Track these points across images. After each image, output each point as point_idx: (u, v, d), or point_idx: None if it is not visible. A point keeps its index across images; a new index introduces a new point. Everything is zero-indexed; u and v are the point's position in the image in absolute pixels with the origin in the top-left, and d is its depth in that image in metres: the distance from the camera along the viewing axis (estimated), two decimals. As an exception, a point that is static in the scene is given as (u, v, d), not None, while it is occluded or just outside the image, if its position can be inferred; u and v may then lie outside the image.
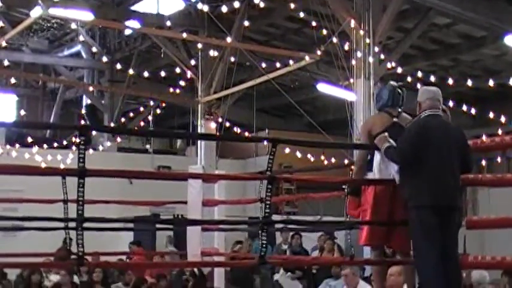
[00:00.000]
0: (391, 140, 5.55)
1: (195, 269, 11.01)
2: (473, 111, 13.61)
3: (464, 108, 13.51)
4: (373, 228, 5.69)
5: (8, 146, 16.81)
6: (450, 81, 13.26)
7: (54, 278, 11.18)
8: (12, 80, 18.93)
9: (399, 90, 5.89)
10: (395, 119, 5.76)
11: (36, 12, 13.11)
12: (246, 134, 16.45)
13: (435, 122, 5.49)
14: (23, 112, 20.83)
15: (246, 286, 11.00)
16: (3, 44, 14.66)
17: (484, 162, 14.70)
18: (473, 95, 15.34)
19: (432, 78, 13.07)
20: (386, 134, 5.61)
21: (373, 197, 5.65)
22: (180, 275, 11.85)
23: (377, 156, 5.77)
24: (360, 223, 5.77)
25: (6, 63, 16.66)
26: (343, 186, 6.92)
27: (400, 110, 5.87)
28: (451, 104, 13.20)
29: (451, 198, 5.36)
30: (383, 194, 5.64)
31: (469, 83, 13.41)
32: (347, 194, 6.02)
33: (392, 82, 6.11)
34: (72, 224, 4.88)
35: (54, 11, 13.46)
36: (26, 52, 20.53)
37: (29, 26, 15.61)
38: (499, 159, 15.45)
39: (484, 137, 8.45)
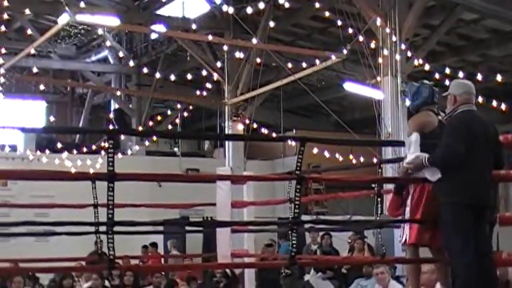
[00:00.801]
0: (420, 154, 5.49)
1: (228, 270, 11.04)
2: (503, 106, 13.46)
3: (494, 103, 13.38)
4: (424, 226, 5.61)
5: (38, 152, 17.04)
6: (479, 76, 13.08)
7: (86, 285, 11.30)
8: (41, 87, 19.10)
9: (435, 88, 5.88)
10: (439, 117, 5.74)
11: (63, 19, 13.23)
12: (274, 134, 16.42)
13: (475, 117, 5.44)
14: (52, 118, 21.11)
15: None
16: (32, 51, 14.83)
17: None
18: (503, 91, 15.16)
19: (461, 74, 12.93)
20: (410, 156, 5.56)
21: (425, 195, 5.57)
22: (210, 277, 11.90)
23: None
24: (410, 221, 5.65)
25: (35, 70, 16.69)
26: (373, 185, 6.93)
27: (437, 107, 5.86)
28: (480, 99, 13.09)
29: (487, 196, 5.34)
30: (433, 192, 5.57)
31: (499, 78, 13.29)
32: (393, 193, 5.91)
33: (425, 81, 6.08)
34: (102, 228, 4.94)
35: (81, 18, 13.63)
36: (54, 59, 20.78)
37: (56, 33, 15.72)
38: (530, 155, 15.26)
39: None
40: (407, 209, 5.68)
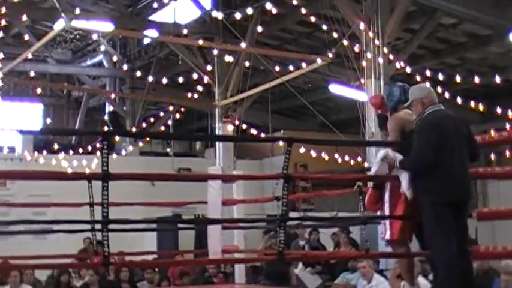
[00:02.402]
0: (395, 154, 5.63)
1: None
2: (481, 107, 13.63)
3: (472, 104, 13.53)
4: (406, 222, 5.73)
5: (35, 153, 17.07)
6: (458, 78, 13.29)
7: (77, 283, 11.64)
8: (38, 90, 19.23)
9: (406, 87, 5.99)
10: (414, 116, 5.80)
11: (59, 24, 13.36)
12: (262, 135, 16.50)
13: (443, 116, 5.50)
14: (49, 120, 21.16)
15: (282, 280, 10.89)
16: (29, 56, 14.86)
17: (493, 156, 14.77)
18: (481, 92, 15.28)
19: (440, 77, 13.11)
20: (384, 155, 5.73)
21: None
22: (202, 272, 12.27)
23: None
24: (394, 217, 5.77)
25: (32, 74, 16.89)
26: (359, 184, 7.06)
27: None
28: (459, 100, 13.45)
29: (466, 191, 5.45)
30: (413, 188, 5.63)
31: (477, 80, 13.40)
32: (373, 187, 5.99)
33: (398, 83, 6.29)
34: (97, 226, 5.07)
35: (76, 23, 13.83)
36: (51, 63, 20.85)
37: (53, 38, 15.79)
38: (507, 153, 15.44)
39: (492, 132, 8.66)
40: (387, 205, 5.80)
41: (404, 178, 5.61)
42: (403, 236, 5.77)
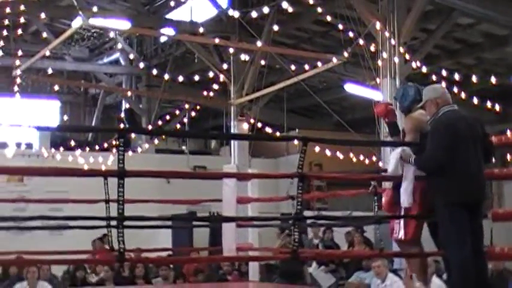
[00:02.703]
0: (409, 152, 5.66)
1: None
2: (497, 107, 13.59)
3: (489, 104, 13.49)
4: (420, 222, 5.81)
5: (52, 150, 17.26)
6: (474, 78, 13.26)
7: (93, 279, 11.77)
8: (56, 87, 19.32)
9: (420, 87, 6.02)
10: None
11: (77, 22, 13.36)
12: (277, 133, 16.52)
13: (457, 117, 5.52)
14: (66, 117, 21.49)
15: (296, 279, 11.03)
16: (47, 53, 14.92)
17: (509, 157, 14.64)
18: (497, 92, 15.13)
19: (456, 77, 13.08)
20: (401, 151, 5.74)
21: (420, 191, 5.69)
22: (216, 269, 12.36)
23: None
24: (408, 217, 5.80)
25: (50, 71, 17.05)
26: (374, 184, 6.95)
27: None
28: (475, 100, 13.42)
29: (481, 192, 5.50)
30: (426, 190, 5.72)
31: (493, 80, 13.33)
32: (392, 188, 5.97)
33: (409, 83, 6.36)
34: (113, 223, 5.08)
35: (94, 21, 13.94)
36: (68, 60, 21.08)
37: (70, 35, 15.95)
38: (524, 154, 15.32)
39: (508, 132, 8.58)
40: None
41: (406, 180, 5.67)
42: (416, 236, 5.84)
